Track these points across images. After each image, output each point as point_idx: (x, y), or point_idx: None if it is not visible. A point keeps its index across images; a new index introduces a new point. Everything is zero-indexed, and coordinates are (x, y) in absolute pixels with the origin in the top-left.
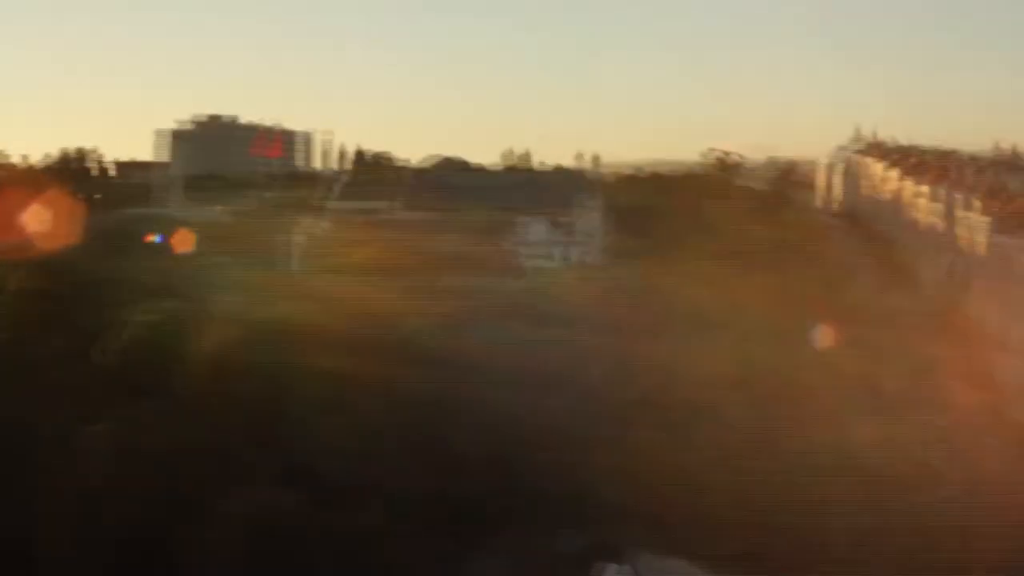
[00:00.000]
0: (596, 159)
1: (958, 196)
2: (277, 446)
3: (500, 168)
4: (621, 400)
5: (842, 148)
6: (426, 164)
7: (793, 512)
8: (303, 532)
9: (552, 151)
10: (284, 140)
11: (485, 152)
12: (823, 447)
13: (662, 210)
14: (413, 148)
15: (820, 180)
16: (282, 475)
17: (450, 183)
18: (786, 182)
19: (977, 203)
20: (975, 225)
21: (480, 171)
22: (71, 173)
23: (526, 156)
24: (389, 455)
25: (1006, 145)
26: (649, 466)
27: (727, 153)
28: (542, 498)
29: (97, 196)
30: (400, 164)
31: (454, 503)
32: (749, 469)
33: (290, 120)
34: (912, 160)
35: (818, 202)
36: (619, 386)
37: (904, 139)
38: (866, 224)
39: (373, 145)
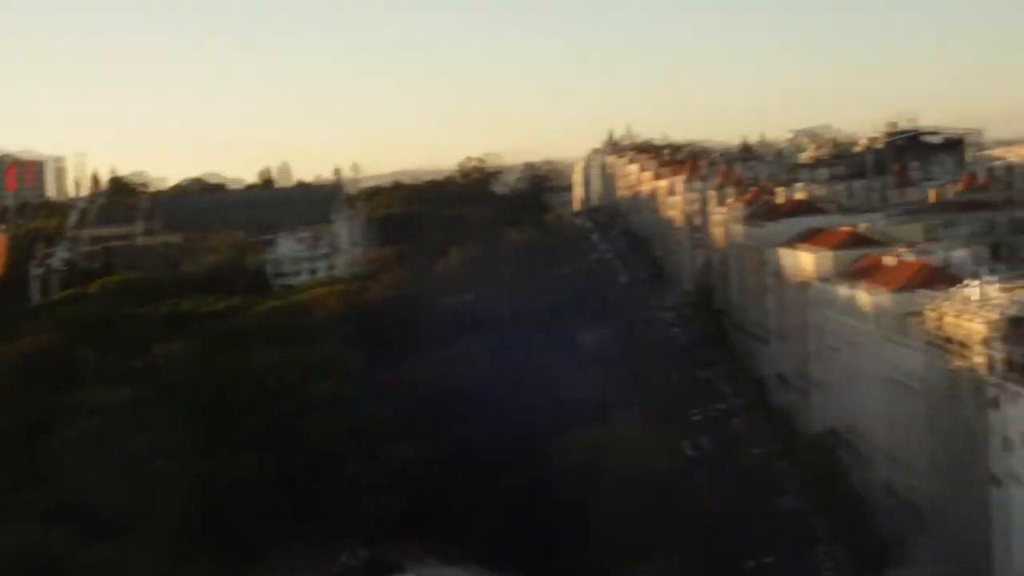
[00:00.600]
0: (355, 169)
1: (708, 190)
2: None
3: (255, 185)
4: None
5: (597, 150)
6: (184, 184)
7: None
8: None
9: (311, 165)
10: (34, 169)
11: (246, 169)
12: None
13: (421, 218)
14: (175, 168)
15: (577, 181)
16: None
17: (199, 204)
18: (544, 185)
19: (725, 196)
20: (724, 217)
21: (233, 189)
22: None
23: (285, 170)
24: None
25: (753, 138)
26: None
27: (484, 159)
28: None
29: None
30: (155, 187)
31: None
32: None
33: (45, 146)
34: (664, 157)
35: (576, 204)
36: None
37: (657, 136)
38: (622, 222)
39: (135, 167)
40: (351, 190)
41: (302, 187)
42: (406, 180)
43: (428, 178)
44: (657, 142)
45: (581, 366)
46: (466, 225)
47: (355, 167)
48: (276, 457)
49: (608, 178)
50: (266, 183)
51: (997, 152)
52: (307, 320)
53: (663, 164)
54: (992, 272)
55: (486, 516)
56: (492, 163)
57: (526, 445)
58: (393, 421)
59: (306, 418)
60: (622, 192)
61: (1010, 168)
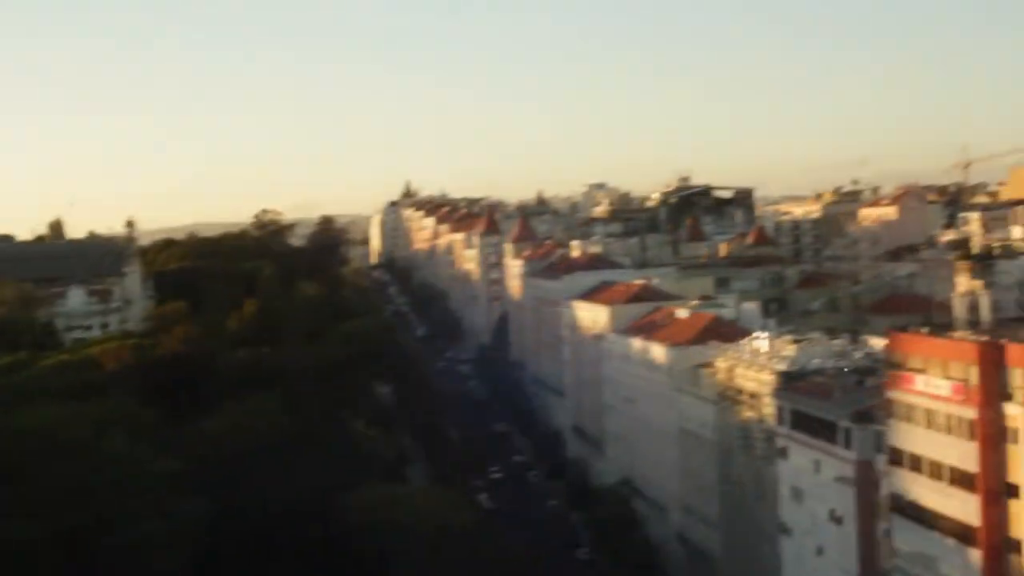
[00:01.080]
0: (131, 225)
1: (503, 244)
2: None
3: (43, 236)
4: None
5: (394, 203)
6: None
7: None
8: None
9: (87, 220)
10: None
11: (20, 225)
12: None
13: (214, 271)
14: None
15: (374, 235)
16: None
17: None
18: (340, 238)
19: (520, 249)
20: (519, 271)
21: (20, 241)
22: None
23: (58, 225)
24: None
25: (548, 193)
26: None
27: (280, 212)
28: None
29: None
30: None
31: None
32: None
33: None
34: (460, 210)
35: (372, 257)
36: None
37: (454, 190)
38: (418, 275)
39: None
40: (144, 242)
41: (93, 239)
42: (200, 233)
43: (222, 231)
44: (453, 196)
45: (377, 420)
46: (260, 278)
47: (130, 224)
48: (62, 517)
49: (404, 231)
50: (55, 235)
51: (784, 207)
52: (98, 374)
53: (459, 218)
54: (780, 325)
55: (278, 574)
56: (287, 216)
57: (320, 501)
58: (184, 477)
59: (95, 475)
60: (418, 245)
61: (796, 223)
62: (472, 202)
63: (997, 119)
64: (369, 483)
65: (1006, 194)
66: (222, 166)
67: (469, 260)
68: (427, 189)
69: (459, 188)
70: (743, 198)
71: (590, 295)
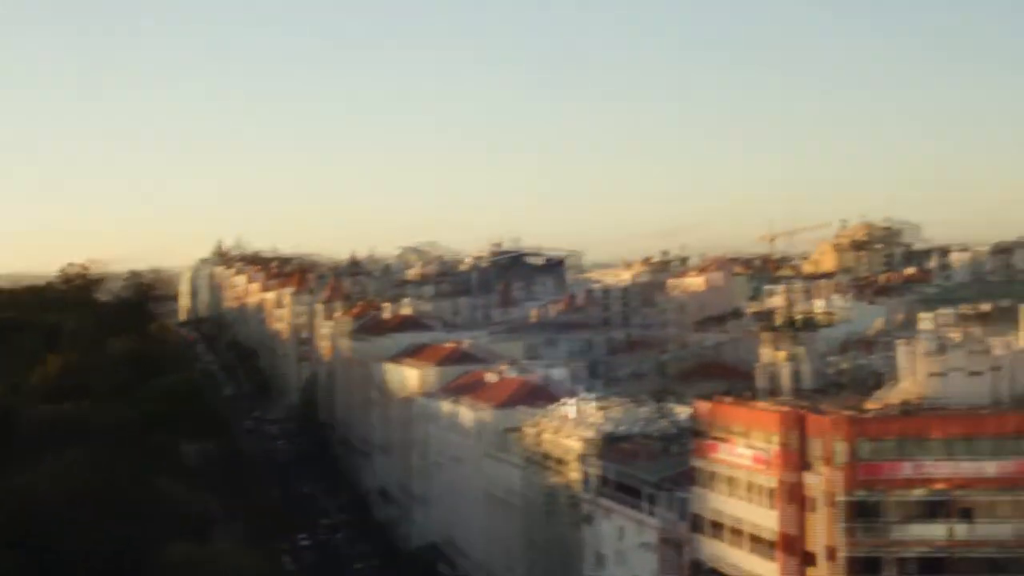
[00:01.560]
0: None
1: (315, 303)
2: None
3: None
4: None
5: (205, 259)
6: None
7: None
8: None
9: None
10: None
11: None
12: None
13: (17, 325)
14: None
15: (184, 291)
16: None
17: None
18: (149, 294)
19: (333, 309)
20: (331, 331)
21: None
22: None
23: None
24: None
25: (362, 253)
26: None
27: (88, 266)
28: None
29: None
30: None
31: None
32: None
33: None
34: (272, 269)
35: (182, 313)
36: None
37: (266, 248)
38: (229, 333)
39: None
40: None
41: None
42: (2, 285)
43: (27, 283)
44: (266, 254)
45: (183, 478)
46: (66, 333)
47: None
48: None
49: (216, 288)
50: None
51: (595, 274)
52: None
53: (271, 276)
54: (589, 390)
55: None
56: (96, 270)
57: (125, 559)
58: None
59: None
60: (230, 303)
61: (607, 290)
62: (285, 261)
63: (803, 194)
64: (175, 542)
65: (810, 267)
66: (29, 216)
67: (280, 319)
68: (240, 246)
69: (273, 246)
70: (557, 264)
71: (402, 357)
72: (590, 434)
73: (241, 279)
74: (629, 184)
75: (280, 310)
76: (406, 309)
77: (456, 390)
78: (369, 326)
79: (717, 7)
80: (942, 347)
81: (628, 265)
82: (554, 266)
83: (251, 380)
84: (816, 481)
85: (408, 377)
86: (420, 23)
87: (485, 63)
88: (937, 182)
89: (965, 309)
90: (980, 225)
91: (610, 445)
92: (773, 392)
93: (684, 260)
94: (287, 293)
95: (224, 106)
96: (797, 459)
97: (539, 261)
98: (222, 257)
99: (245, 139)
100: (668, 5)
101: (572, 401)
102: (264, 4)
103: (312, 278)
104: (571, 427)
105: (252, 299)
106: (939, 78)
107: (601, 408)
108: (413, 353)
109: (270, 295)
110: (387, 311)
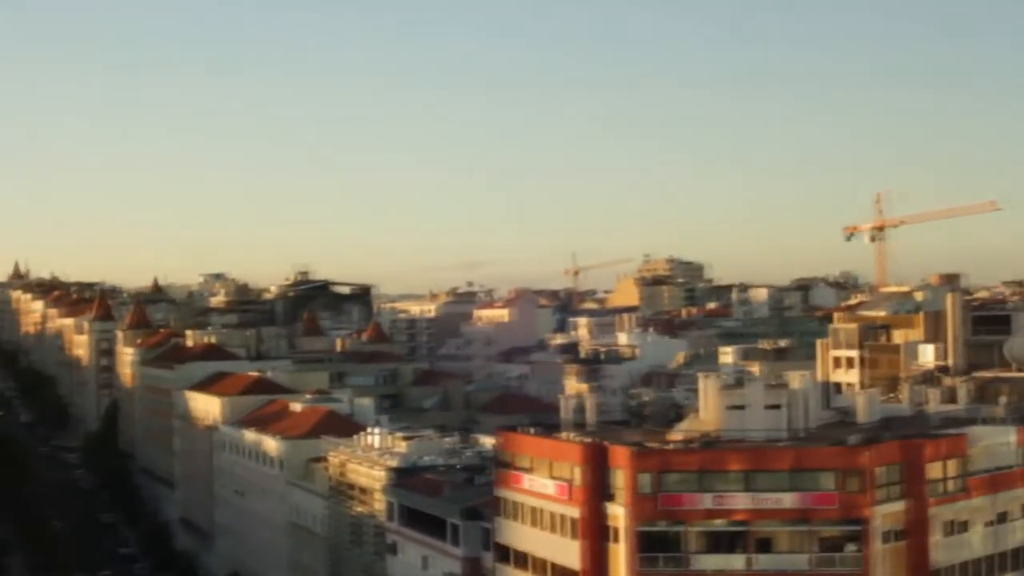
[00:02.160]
0: None
1: (116, 330)
2: None
3: None
4: None
5: (1, 284)
6: None
7: None
8: None
9: None
10: None
11: None
12: None
13: None
14: None
15: None
16: None
17: None
18: None
19: (135, 337)
20: (132, 358)
21: None
22: None
23: None
24: None
25: (164, 280)
26: None
27: None
28: None
29: None
30: None
31: None
32: None
33: None
34: (72, 295)
35: None
36: None
37: (67, 273)
38: (26, 359)
39: None
40: None
41: None
42: None
43: None
44: (65, 279)
45: None
46: None
47: None
48: None
49: (12, 313)
50: None
51: (402, 305)
52: None
53: (71, 302)
54: (394, 421)
55: None
56: None
57: None
58: None
59: None
60: (27, 328)
61: (413, 321)
62: (85, 287)
63: (605, 229)
64: None
65: (614, 301)
66: None
67: (80, 346)
68: (40, 271)
69: (73, 272)
70: (362, 294)
71: (204, 385)
72: (394, 464)
73: (39, 305)
74: (435, 215)
75: (80, 336)
76: (209, 337)
77: (259, 419)
78: (171, 354)
79: (522, 48)
80: (740, 380)
81: (434, 296)
82: (359, 296)
83: (50, 407)
84: (618, 512)
85: (210, 406)
86: (201, 55)
87: (276, 97)
88: (739, 219)
89: (764, 344)
90: (780, 263)
91: (414, 475)
92: (576, 423)
93: (490, 292)
94: (86, 320)
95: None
96: (599, 491)
97: (345, 291)
98: (20, 282)
99: (53, 162)
100: (474, 46)
101: (377, 431)
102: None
103: (113, 305)
104: (375, 457)
105: (51, 325)
106: (738, 117)
107: (405, 438)
108: (216, 382)
109: (69, 322)
110: (190, 339)
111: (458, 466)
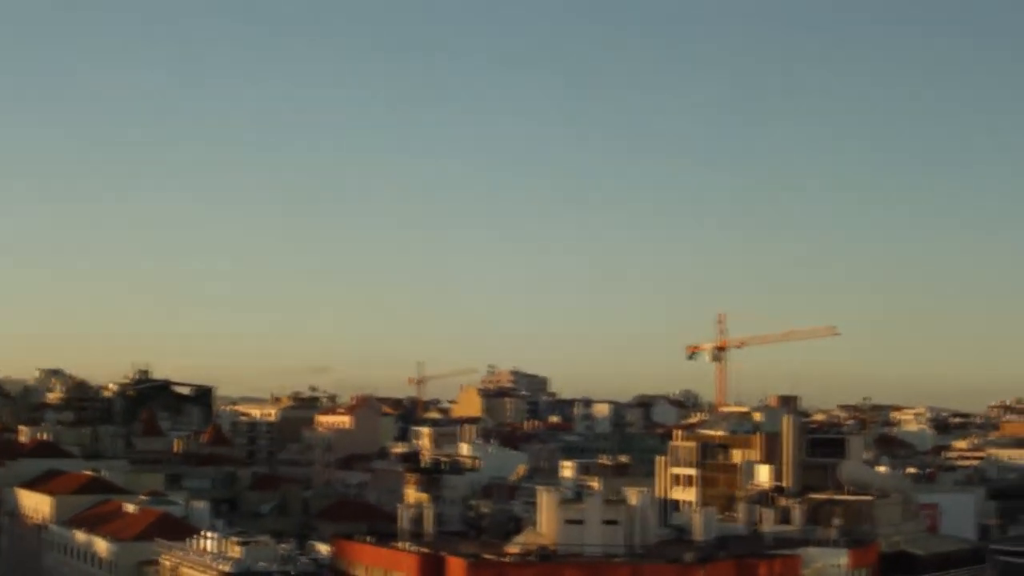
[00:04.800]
0: None
1: None
2: None
3: None
4: None
5: None
6: None
7: None
8: None
9: None
10: None
11: None
12: None
13: None
14: None
15: None
16: None
17: None
18: None
19: None
20: None
21: None
22: None
23: None
24: None
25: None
26: None
27: None
28: None
29: None
30: None
31: None
32: None
33: None
34: None
35: None
36: None
37: None
38: None
39: None
40: None
41: None
42: None
43: None
44: None
45: None
46: None
47: None
48: None
49: None
50: None
51: (243, 408)
52: None
53: None
54: (229, 525)
55: None
56: None
57: None
58: None
59: None
60: None
61: (253, 424)
62: None
63: (451, 339)
64: None
65: (457, 411)
66: None
67: None
68: None
69: None
70: (202, 396)
71: (35, 483)
72: (227, 569)
73: None
74: (282, 318)
75: None
76: (43, 434)
77: (91, 520)
78: (3, 449)
79: (364, 154)
80: (579, 495)
81: (276, 399)
82: (200, 397)
83: None
84: None
85: (41, 504)
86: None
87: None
88: (583, 334)
89: (604, 459)
90: (623, 379)
91: None
92: (414, 533)
93: (332, 397)
94: None
95: None
96: None
97: (185, 391)
98: None
99: None
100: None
101: (211, 535)
102: None
103: None
104: (208, 562)
105: None
106: (583, 233)
107: (240, 543)
108: (48, 479)
109: None
110: (23, 435)
111: (293, 573)
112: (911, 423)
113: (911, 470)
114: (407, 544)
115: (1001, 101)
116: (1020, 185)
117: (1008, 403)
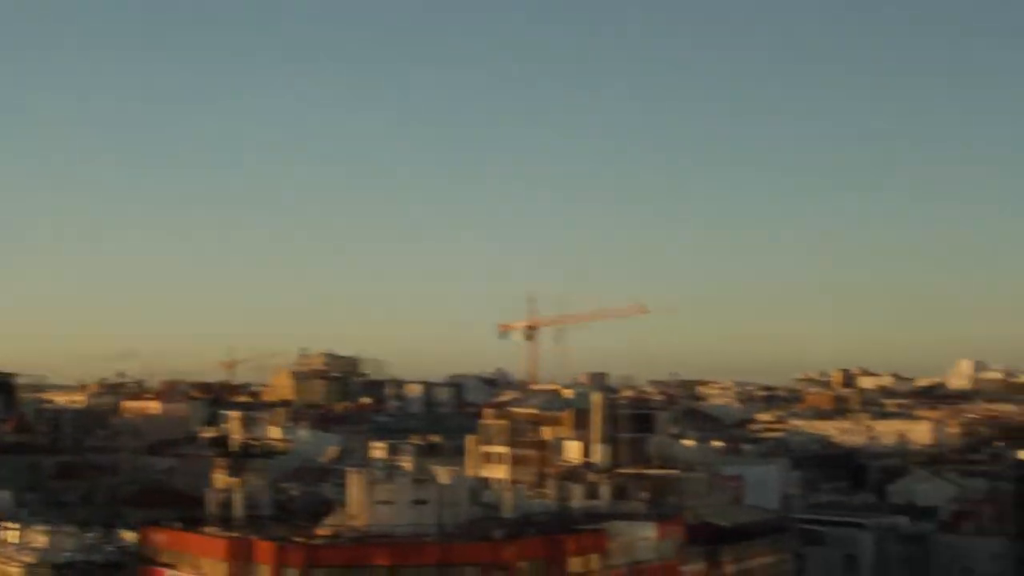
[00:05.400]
0: None
1: None
2: None
3: None
4: None
5: None
6: None
7: None
8: None
9: None
10: None
11: None
12: None
13: None
14: None
15: None
16: None
17: None
18: None
19: None
20: None
21: None
22: None
23: None
24: None
25: None
26: None
27: None
28: None
29: None
30: None
31: None
32: None
33: None
34: None
35: None
36: None
37: None
38: None
39: None
40: None
41: None
42: None
43: None
44: None
45: None
46: None
47: None
48: None
49: None
50: None
51: (48, 395)
52: None
53: None
54: (33, 515)
55: None
56: None
57: None
58: None
59: None
60: None
61: (58, 412)
62: None
63: (262, 322)
64: None
65: (268, 395)
66: None
67: None
68: None
69: None
70: (3, 384)
71: None
72: (31, 560)
73: None
74: (88, 303)
75: None
76: None
77: None
78: None
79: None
80: (391, 476)
81: (83, 387)
82: (2, 384)
83: None
84: None
85: None
86: None
87: None
88: (394, 314)
89: (415, 439)
90: (435, 359)
91: (56, 572)
92: (225, 518)
93: (140, 383)
94: None
95: None
96: None
97: None
98: None
99: None
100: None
101: (15, 526)
102: None
103: None
104: (12, 552)
105: None
106: (391, 214)
107: (46, 533)
108: None
109: None
110: None
111: (99, 562)
112: (718, 397)
113: (717, 443)
114: (215, 529)
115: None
116: (807, 163)
117: (811, 376)
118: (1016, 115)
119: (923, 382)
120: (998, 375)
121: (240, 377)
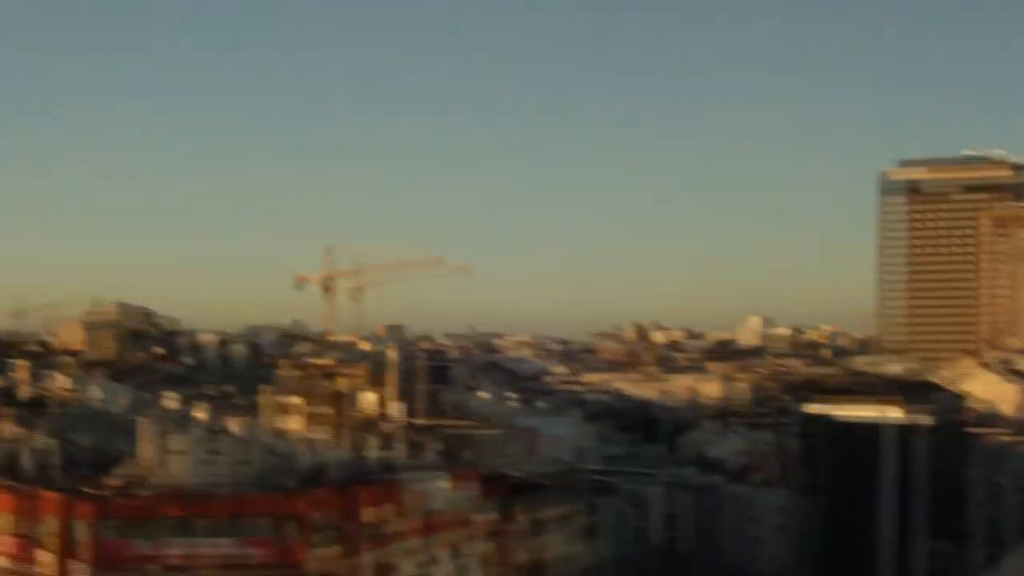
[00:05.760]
0: None
1: None
2: None
3: None
4: None
5: None
6: None
7: None
8: None
9: None
10: None
11: None
12: None
13: None
14: None
15: None
16: None
17: None
18: None
19: None
20: None
21: None
22: None
23: None
24: None
25: None
26: None
27: None
28: None
29: None
30: None
31: None
32: None
33: None
34: None
35: None
36: None
37: None
38: None
39: None
40: None
41: None
42: None
43: None
44: None
45: None
46: None
47: None
48: None
49: None
50: None
51: None
52: None
53: None
54: None
55: None
56: None
57: None
58: None
59: None
60: None
61: None
62: None
63: (51, 269)
64: None
65: (58, 344)
66: None
67: None
68: None
69: None
70: None
71: None
72: None
73: None
74: None
75: None
76: None
77: None
78: None
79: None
80: (184, 427)
81: None
82: None
83: None
84: (50, 560)
85: None
86: None
87: None
88: (190, 263)
89: (210, 390)
90: (230, 309)
91: None
92: (11, 470)
93: None
94: None
95: None
96: (30, 538)
97: None
98: None
99: None
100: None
101: None
102: None
103: None
104: None
105: None
106: (191, 159)
107: None
108: None
109: None
110: None
111: None
112: (514, 351)
113: (512, 396)
114: (2, 481)
115: None
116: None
117: (606, 331)
118: None
119: (714, 337)
120: (786, 332)
121: (29, 327)
